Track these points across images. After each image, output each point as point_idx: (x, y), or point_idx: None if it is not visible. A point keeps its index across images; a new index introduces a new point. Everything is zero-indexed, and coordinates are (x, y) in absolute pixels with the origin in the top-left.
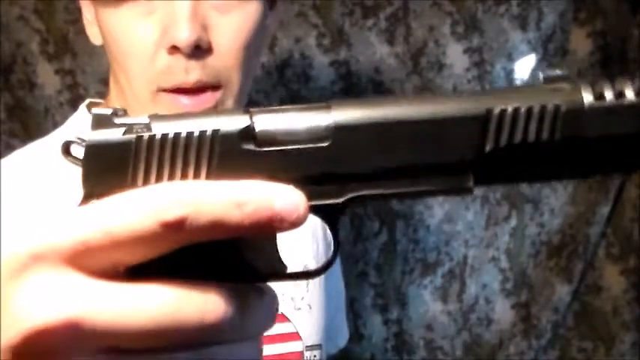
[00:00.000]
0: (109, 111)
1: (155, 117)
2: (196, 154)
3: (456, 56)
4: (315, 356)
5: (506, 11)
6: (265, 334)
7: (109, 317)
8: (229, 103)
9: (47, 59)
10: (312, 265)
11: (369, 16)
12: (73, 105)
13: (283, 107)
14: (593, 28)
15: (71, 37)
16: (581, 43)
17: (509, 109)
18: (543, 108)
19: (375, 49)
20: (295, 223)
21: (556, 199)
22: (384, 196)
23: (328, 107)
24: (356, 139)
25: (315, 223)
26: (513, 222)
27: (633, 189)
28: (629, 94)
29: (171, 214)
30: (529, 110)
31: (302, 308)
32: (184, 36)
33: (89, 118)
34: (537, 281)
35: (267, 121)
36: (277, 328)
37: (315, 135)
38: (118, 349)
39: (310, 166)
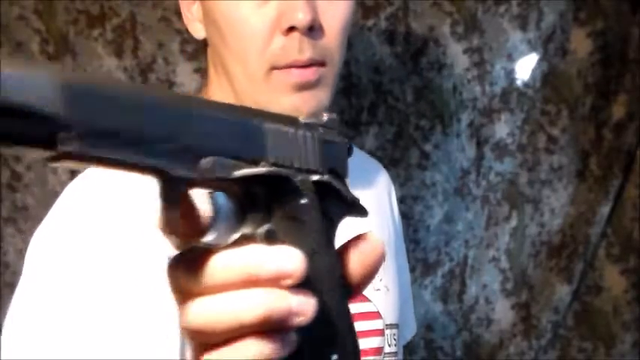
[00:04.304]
0: None
1: None
2: None
3: (456, 56)
4: (394, 334)
5: (506, 11)
6: None
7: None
8: (330, 79)
9: (47, 59)
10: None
11: (369, 16)
12: None
13: None
14: (593, 28)
15: (71, 37)
16: (581, 43)
17: None
18: None
19: (375, 49)
20: None
21: (556, 199)
22: None
23: None
24: None
25: (380, 198)
26: (513, 222)
27: (633, 189)
28: None
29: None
30: None
31: (380, 289)
32: (302, 17)
33: None
34: (537, 281)
35: None
36: (359, 307)
37: None
38: None
39: None
